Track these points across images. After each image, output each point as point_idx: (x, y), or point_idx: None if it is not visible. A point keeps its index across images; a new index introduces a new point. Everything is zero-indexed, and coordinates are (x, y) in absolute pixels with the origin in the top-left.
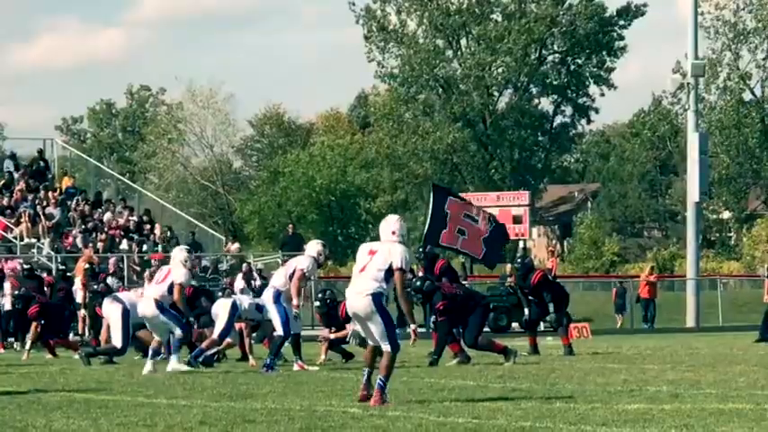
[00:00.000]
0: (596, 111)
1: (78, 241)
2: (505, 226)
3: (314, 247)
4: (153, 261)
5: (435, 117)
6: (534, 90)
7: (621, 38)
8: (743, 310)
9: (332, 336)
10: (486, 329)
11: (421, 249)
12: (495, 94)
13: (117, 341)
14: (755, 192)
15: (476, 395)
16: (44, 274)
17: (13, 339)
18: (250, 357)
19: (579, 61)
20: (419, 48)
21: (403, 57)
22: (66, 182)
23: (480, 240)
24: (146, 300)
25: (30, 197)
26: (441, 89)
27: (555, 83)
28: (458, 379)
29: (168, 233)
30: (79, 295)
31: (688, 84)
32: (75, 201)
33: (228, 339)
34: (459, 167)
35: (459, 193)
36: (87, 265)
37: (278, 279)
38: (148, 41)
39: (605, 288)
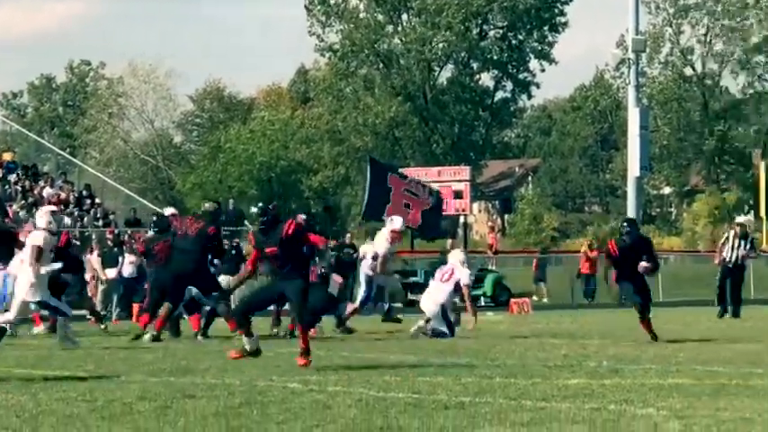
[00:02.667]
0: (537, 86)
1: (21, 216)
2: (442, 199)
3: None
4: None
5: (376, 92)
6: (475, 65)
7: (563, 13)
8: (683, 285)
9: None
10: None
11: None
12: (436, 68)
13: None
14: (696, 167)
15: (416, 370)
16: None
17: None
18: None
19: (520, 36)
20: (360, 22)
21: (344, 31)
22: (7, 156)
23: (420, 213)
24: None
25: None
26: (381, 64)
27: (496, 58)
28: (398, 354)
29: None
30: None
31: (629, 59)
32: (15, 175)
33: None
34: (400, 142)
35: (400, 169)
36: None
37: None
38: (88, 15)
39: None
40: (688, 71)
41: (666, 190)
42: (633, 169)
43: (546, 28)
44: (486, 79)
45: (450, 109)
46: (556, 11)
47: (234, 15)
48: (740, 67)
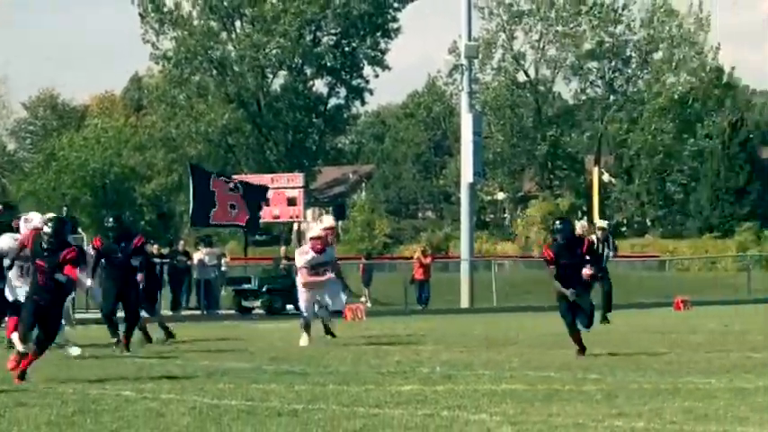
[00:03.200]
0: (371, 92)
1: None
2: (263, 190)
3: None
4: None
5: (209, 99)
6: (308, 71)
7: (395, 19)
8: (517, 290)
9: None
10: (260, 311)
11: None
12: (270, 75)
13: None
14: (529, 173)
15: (249, 377)
16: None
17: None
18: None
19: (354, 43)
20: (193, 29)
21: (177, 38)
22: None
23: (245, 211)
24: None
25: None
26: (215, 71)
27: (329, 64)
28: (231, 361)
29: None
30: None
31: (462, 65)
32: None
33: None
34: (234, 149)
35: (233, 176)
36: None
37: None
38: None
39: (380, 269)
40: (521, 77)
41: (500, 196)
42: (466, 175)
43: (379, 34)
44: (320, 86)
45: (283, 116)
46: (388, 17)
47: (67, 22)
48: (573, 73)
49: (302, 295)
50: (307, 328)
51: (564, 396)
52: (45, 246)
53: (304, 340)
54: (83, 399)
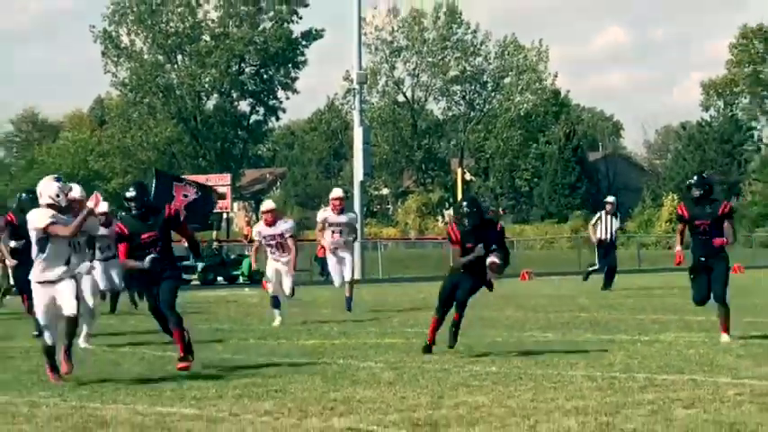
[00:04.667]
0: (283, 110)
1: None
2: (212, 194)
3: None
4: None
5: (157, 116)
6: (235, 95)
7: (303, 54)
8: (398, 266)
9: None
10: (197, 282)
11: None
12: (204, 98)
13: None
14: (408, 173)
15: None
16: None
17: None
18: None
19: (270, 72)
20: (144, 62)
21: (132, 68)
22: None
23: (200, 203)
24: None
25: None
26: (161, 94)
27: (251, 89)
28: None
29: None
30: None
31: (354, 89)
32: None
33: None
34: (176, 156)
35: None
36: None
37: None
38: None
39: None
40: (400, 98)
41: (385, 191)
42: (358, 175)
43: (290, 66)
44: (244, 106)
45: (215, 129)
46: (297, 52)
47: (46, 55)
48: (441, 95)
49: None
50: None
51: (434, 348)
52: (134, 213)
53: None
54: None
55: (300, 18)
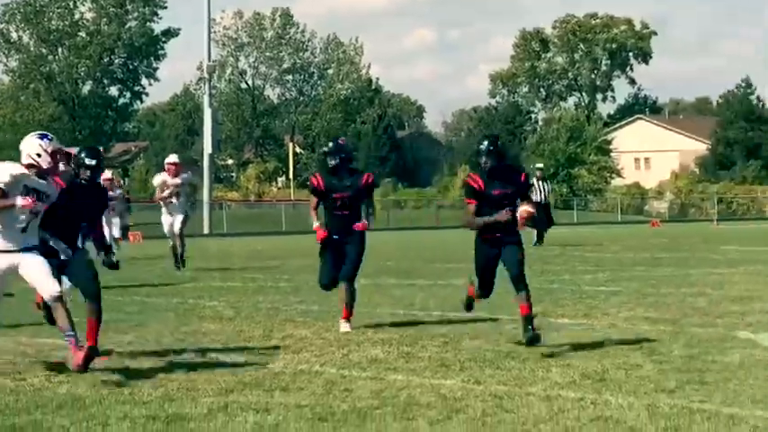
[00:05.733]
0: (147, 95)
1: None
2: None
3: None
4: None
5: (41, 99)
6: (106, 81)
7: (163, 48)
8: (240, 223)
9: None
10: None
11: None
12: (81, 84)
13: None
14: (249, 146)
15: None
16: None
17: None
18: None
19: (135, 63)
20: (30, 53)
21: (20, 59)
22: None
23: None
24: None
25: None
26: (45, 80)
27: (120, 77)
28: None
29: None
30: None
31: (204, 77)
32: None
33: None
34: (57, 132)
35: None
36: None
37: None
38: None
39: (153, 208)
40: (243, 85)
41: (230, 161)
42: (207, 149)
43: (152, 58)
44: (114, 90)
45: (89, 110)
46: (158, 46)
47: None
48: (276, 83)
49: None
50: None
51: (269, 291)
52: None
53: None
54: None
55: (161, 18)
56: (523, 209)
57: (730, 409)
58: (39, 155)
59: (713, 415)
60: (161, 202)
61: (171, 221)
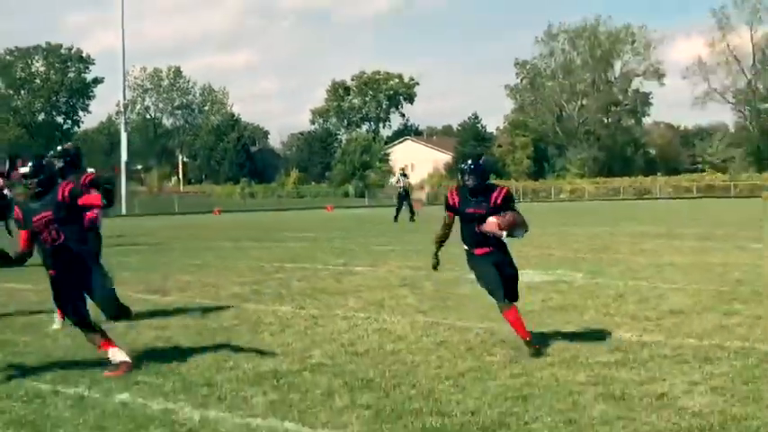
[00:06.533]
0: (83, 122)
1: None
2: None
3: None
4: None
5: (9, 125)
6: (54, 113)
7: (93, 91)
8: (146, 207)
9: None
10: None
11: None
12: (36, 114)
13: None
14: (150, 158)
15: None
16: None
17: None
18: None
19: (74, 101)
20: (3, 94)
21: None
22: None
23: None
24: None
25: None
26: (12, 112)
27: (64, 110)
28: None
29: None
30: None
31: (121, 111)
32: None
33: None
34: (21, 148)
35: None
36: None
37: None
38: None
39: None
40: (147, 116)
41: (139, 167)
42: (124, 158)
43: (85, 98)
44: (59, 119)
45: (44, 132)
46: (90, 90)
47: None
48: (170, 115)
49: None
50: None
51: (207, 257)
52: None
53: None
54: None
55: (90, 71)
56: (488, 221)
57: (462, 323)
58: None
59: (451, 326)
60: None
61: None
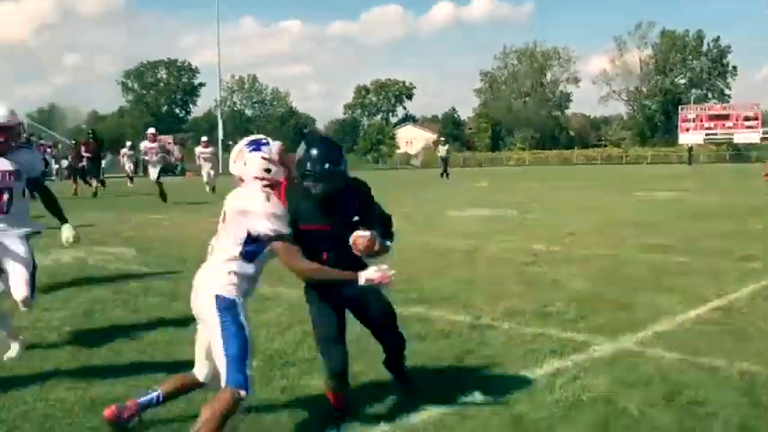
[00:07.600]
0: (191, 112)
1: None
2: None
3: None
4: None
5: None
6: (172, 106)
7: (199, 90)
8: None
9: None
10: None
11: None
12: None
13: None
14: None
15: None
16: None
17: None
18: None
19: (188, 97)
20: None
21: None
22: None
23: None
24: None
25: None
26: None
27: (181, 102)
28: None
29: None
30: None
31: (219, 103)
32: None
33: None
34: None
35: None
36: None
37: None
38: None
39: None
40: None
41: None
42: (220, 136)
43: (195, 95)
44: (177, 109)
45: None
46: (197, 90)
47: None
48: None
49: None
50: None
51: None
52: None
53: None
54: None
55: (197, 78)
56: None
57: None
58: None
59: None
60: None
61: (151, 172)
